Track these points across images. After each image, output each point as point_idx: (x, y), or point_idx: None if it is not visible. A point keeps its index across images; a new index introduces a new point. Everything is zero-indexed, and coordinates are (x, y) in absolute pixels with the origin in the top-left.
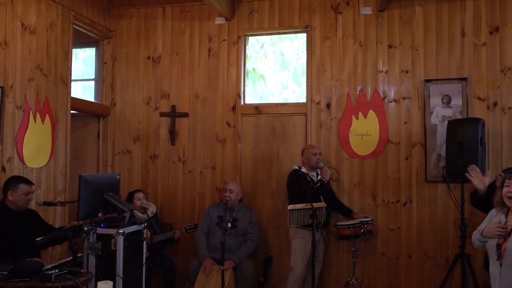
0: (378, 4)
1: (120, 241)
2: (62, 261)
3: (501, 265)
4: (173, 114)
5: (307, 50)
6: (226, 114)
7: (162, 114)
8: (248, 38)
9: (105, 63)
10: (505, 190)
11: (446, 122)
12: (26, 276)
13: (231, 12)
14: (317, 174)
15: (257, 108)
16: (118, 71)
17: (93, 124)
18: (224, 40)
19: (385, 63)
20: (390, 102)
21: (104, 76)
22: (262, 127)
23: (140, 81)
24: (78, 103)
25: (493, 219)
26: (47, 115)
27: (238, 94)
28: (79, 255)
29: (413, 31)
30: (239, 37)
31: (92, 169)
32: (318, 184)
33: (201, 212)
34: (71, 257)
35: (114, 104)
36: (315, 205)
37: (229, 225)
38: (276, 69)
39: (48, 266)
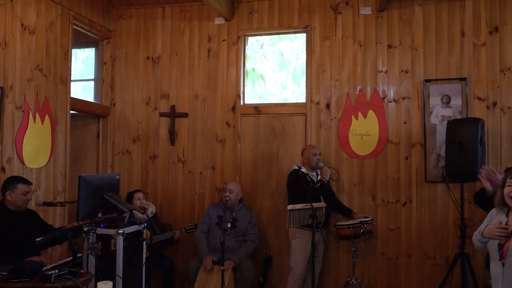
0: (377, 4)
1: (119, 241)
2: (62, 261)
3: (503, 265)
4: (173, 114)
5: (306, 50)
6: (225, 114)
7: (162, 114)
8: (247, 38)
9: (105, 63)
10: (506, 189)
11: (445, 122)
12: (26, 277)
13: (230, 12)
14: (317, 174)
15: (257, 108)
16: (117, 71)
17: (92, 125)
18: (223, 40)
19: (384, 63)
20: (390, 102)
21: (103, 76)
22: (261, 127)
23: (139, 81)
24: (78, 103)
25: (493, 219)
26: (46, 116)
27: (237, 94)
28: (79, 255)
29: (413, 31)
30: (239, 37)
31: (92, 170)
32: (318, 184)
33: (200, 212)
34: (71, 258)
35: (114, 104)
36: (315, 205)
37: (229, 225)
38: (275, 69)
39: (48, 267)
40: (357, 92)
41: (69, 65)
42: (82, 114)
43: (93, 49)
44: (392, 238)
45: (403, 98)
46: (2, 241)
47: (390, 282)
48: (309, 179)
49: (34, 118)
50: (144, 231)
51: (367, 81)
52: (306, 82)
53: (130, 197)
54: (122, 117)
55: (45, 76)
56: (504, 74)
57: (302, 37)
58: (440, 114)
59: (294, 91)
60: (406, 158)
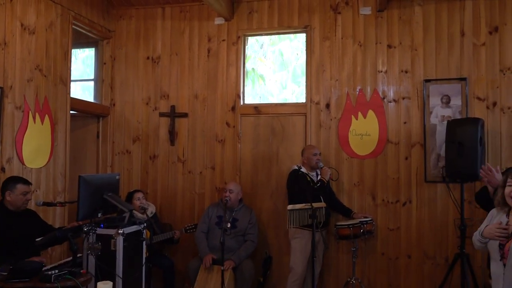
0: (377, 4)
1: (119, 242)
2: (62, 261)
3: (504, 265)
4: (173, 114)
5: (306, 50)
6: (225, 114)
7: (162, 114)
8: (247, 38)
9: (105, 63)
10: (508, 189)
11: (445, 122)
12: (26, 277)
13: (230, 12)
14: (317, 174)
15: (257, 108)
16: (117, 71)
17: (92, 125)
18: (223, 40)
19: (384, 63)
20: (390, 102)
21: (103, 77)
22: (261, 127)
23: (139, 81)
24: (78, 104)
25: (494, 219)
26: (46, 116)
27: (237, 94)
28: (78, 255)
29: (413, 31)
30: (239, 37)
31: (92, 170)
32: (318, 184)
33: (200, 212)
34: (70, 258)
35: (114, 105)
36: (315, 205)
37: (229, 225)
38: (275, 69)
39: (48, 267)
40: (357, 92)
41: (69, 65)
42: (82, 114)
43: (93, 49)
44: (392, 238)
45: (403, 98)
46: (2, 241)
47: (390, 282)
48: (309, 179)
49: (34, 118)
50: (144, 231)
51: (367, 81)
52: (306, 82)
53: (130, 197)
54: (122, 117)
55: (45, 76)
56: (504, 74)
57: (302, 37)
58: (440, 114)
59: (294, 91)
60: (406, 158)
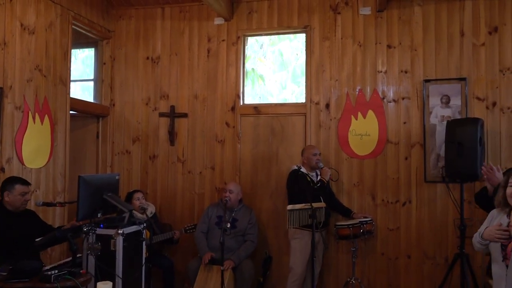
0: (377, 4)
1: (119, 242)
2: (62, 261)
3: (507, 266)
4: (172, 115)
5: (306, 50)
6: (225, 115)
7: (161, 115)
8: (247, 38)
9: (104, 63)
10: (509, 190)
11: (445, 122)
12: (26, 277)
13: (230, 12)
14: (317, 175)
15: (256, 109)
16: (117, 71)
17: (92, 125)
18: (223, 40)
19: (384, 63)
20: (389, 102)
21: (103, 77)
22: (261, 127)
23: (139, 82)
24: (77, 104)
25: (494, 220)
26: (46, 116)
27: (237, 95)
28: (78, 255)
29: (412, 31)
30: (238, 37)
31: (92, 170)
32: (318, 185)
33: (200, 213)
34: (70, 258)
35: (113, 105)
36: (315, 205)
37: (228, 225)
38: (275, 69)
39: (48, 267)
40: (357, 92)
41: (69, 65)
42: (81, 114)
43: (93, 49)
44: (391, 238)
45: (403, 98)
46: (1, 241)
47: (390, 282)
48: (309, 179)
49: (34, 118)
50: (144, 231)
51: (366, 81)
52: (306, 82)
53: (129, 197)
54: (122, 117)
55: (45, 76)
56: (504, 74)
57: (301, 37)
58: (439, 114)
59: (293, 91)
60: (406, 158)
